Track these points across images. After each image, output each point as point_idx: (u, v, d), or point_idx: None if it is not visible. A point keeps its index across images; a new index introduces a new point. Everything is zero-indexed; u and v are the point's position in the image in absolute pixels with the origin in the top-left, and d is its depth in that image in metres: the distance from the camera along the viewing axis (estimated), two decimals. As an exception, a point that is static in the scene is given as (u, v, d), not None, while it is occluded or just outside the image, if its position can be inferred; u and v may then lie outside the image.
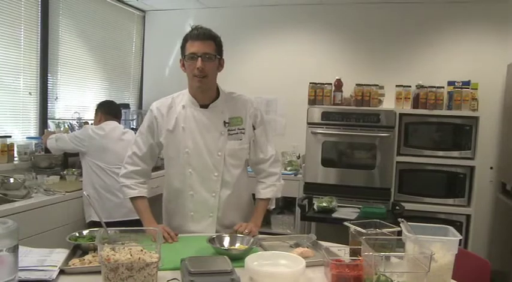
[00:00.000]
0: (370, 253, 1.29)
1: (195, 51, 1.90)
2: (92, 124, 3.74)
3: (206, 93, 2.02)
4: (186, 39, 1.96)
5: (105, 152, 3.27)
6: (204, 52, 1.91)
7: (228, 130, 2.03)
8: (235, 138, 2.04)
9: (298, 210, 3.94)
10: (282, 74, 4.71)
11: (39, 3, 3.74)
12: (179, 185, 2.05)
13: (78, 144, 3.31)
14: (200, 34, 1.92)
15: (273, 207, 4.30)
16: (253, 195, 2.20)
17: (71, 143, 3.33)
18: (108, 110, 3.56)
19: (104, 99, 3.92)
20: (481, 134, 3.73)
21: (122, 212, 3.22)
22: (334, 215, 3.43)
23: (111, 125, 3.42)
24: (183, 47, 1.97)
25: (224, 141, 2.02)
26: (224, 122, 2.03)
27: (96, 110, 3.61)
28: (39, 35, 3.76)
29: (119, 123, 3.58)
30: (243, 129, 2.06)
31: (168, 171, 2.11)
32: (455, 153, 3.78)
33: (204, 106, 2.03)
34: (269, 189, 2.14)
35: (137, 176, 2.08)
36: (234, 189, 2.06)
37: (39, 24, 3.76)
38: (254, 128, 2.10)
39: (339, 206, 3.57)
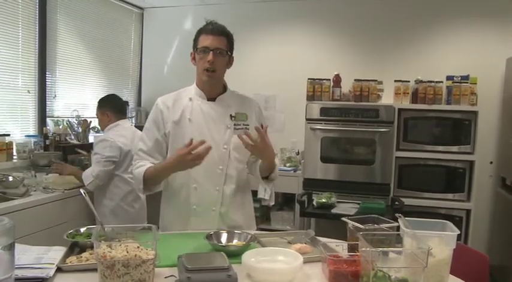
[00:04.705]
0: (367, 248, 1.29)
1: (207, 45, 1.95)
2: (92, 121, 3.71)
3: (214, 87, 2.06)
4: (200, 32, 2.00)
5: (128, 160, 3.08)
6: (216, 47, 1.95)
7: (234, 124, 2.05)
8: (241, 133, 2.03)
9: (297, 206, 3.94)
10: (280, 70, 4.69)
11: (37, 1, 3.73)
12: (183, 178, 2.01)
13: (110, 160, 3.06)
14: (214, 29, 1.97)
15: (272, 203, 4.30)
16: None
17: (105, 163, 3.04)
18: (115, 108, 3.27)
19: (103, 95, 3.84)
20: (480, 128, 3.71)
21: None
22: (334, 210, 3.44)
23: (128, 129, 3.23)
24: (195, 40, 2.01)
25: (230, 134, 2.03)
26: (230, 115, 2.05)
27: (101, 108, 3.27)
28: (37, 33, 3.76)
29: (127, 119, 3.41)
30: (248, 125, 2.07)
31: None
32: (454, 148, 3.77)
33: (211, 99, 2.06)
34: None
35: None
36: (237, 185, 2.06)
37: (37, 22, 3.76)
38: None
39: (338, 202, 3.59)
